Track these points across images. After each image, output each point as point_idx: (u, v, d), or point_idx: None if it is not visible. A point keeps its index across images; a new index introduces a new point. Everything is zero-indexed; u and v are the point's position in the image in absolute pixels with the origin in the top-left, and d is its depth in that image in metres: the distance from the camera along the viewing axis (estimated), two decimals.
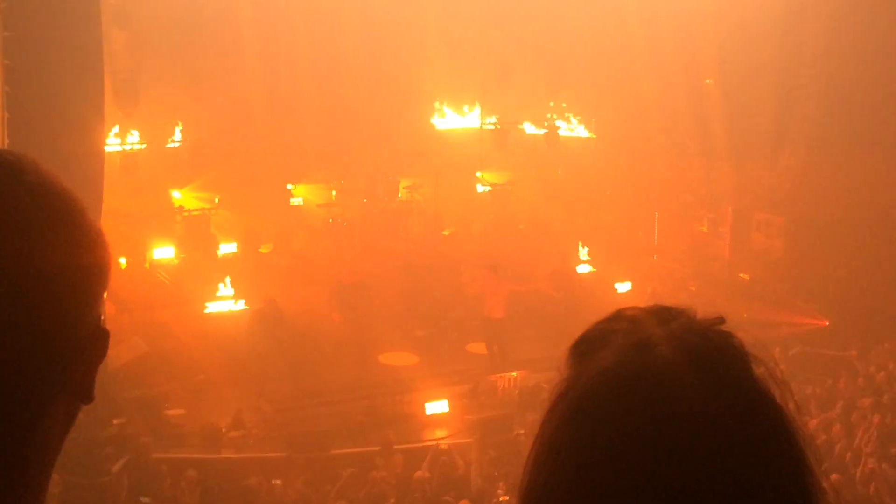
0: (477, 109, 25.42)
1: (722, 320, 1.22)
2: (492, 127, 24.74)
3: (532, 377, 17.38)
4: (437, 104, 25.51)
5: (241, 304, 18.58)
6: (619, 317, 1.24)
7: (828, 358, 17.61)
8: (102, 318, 1.22)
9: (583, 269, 22.11)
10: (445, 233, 23.03)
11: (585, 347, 1.22)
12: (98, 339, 1.21)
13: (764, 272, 21.33)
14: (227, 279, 19.04)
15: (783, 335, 18.29)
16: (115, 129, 20.58)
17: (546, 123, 25.20)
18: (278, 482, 13.48)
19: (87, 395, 1.21)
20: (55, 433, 1.19)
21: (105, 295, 1.21)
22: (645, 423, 1.11)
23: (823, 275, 20.19)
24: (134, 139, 21.18)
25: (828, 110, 20.92)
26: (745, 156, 22.99)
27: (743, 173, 22.99)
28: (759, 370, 1.18)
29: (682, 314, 1.22)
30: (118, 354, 15.52)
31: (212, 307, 18.73)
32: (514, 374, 17.27)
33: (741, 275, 21.74)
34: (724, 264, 22.69)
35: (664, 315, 1.22)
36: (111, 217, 19.04)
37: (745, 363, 1.18)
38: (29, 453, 1.15)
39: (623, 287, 20.89)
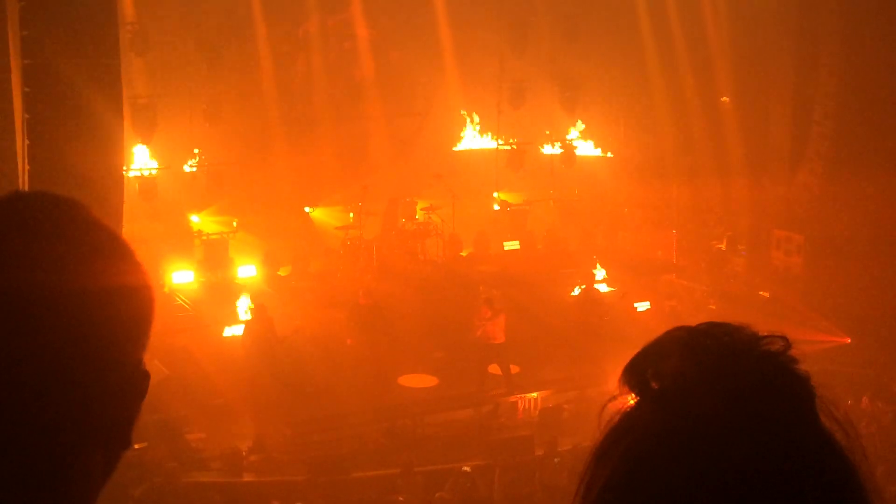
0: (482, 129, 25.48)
1: (788, 343, 1.16)
2: (507, 147, 24.76)
3: (552, 397, 17.34)
4: (464, 130, 25.57)
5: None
6: (670, 342, 1.18)
7: (849, 376, 17.48)
8: (144, 360, 1.19)
9: (600, 288, 22.05)
10: (463, 254, 23.02)
11: (643, 375, 1.16)
12: (138, 383, 1.17)
13: (783, 289, 21.23)
14: (248, 299, 19.09)
15: (804, 353, 18.14)
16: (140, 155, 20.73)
17: (562, 143, 25.20)
18: None
19: (125, 442, 1.17)
20: (92, 480, 1.14)
21: (148, 338, 1.18)
22: (707, 471, 1.07)
23: (844, 291, 20.07)
24: (152, 164, 21.29)
25: (845, 126, 20.85)
26: (762, 173, 22.93)
27: (761, 191, 22.92)
28: (823, 411, 1.12)
29: (741, 335, 1.16)
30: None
31: (230, 331, 18.76)
32: (535, 394, 17.23)
33: (760, 292, 21.63)
34: (742, 282, 22.60)
35: (720, 338, 1.15)
36: (130, 242, 19.12)
37: (809, 403, 1.12)
38: (62, 503, 1.10)
39: (642, 306, 20.83)
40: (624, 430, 1.16)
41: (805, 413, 1.11)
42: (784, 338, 1.16)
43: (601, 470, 1.15)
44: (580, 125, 25.53)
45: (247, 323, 17.85)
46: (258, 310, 17.57)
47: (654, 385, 1.14)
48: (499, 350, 17.39)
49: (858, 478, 1.10)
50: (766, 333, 1.17)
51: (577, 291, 21.20)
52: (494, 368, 17.55)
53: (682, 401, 1.11)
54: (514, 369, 17.52)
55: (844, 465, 1.10)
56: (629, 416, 1.17)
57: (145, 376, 1.17)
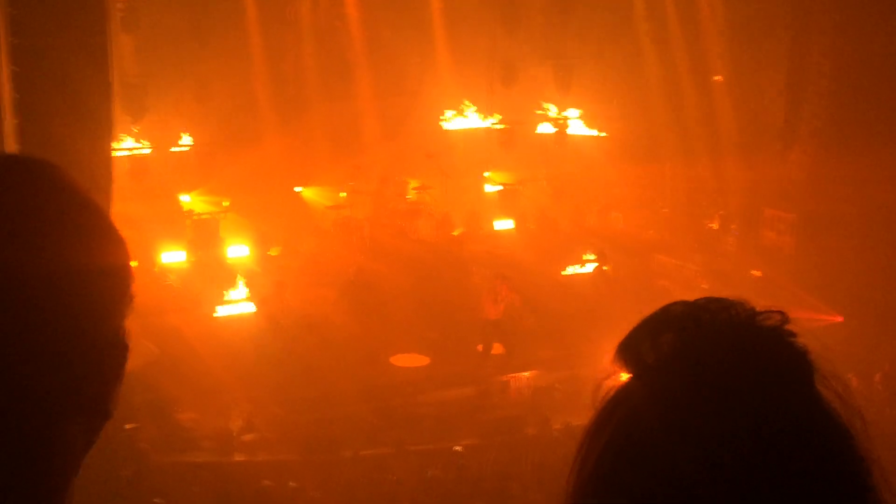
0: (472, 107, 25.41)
1: (786, 317, 1.16)
2: (499, 126, 24.71)
3: (544, 377, 17.38)
4: (456, 109, 25.50)
5: (250, 307, 18.61)
6: (667, 316, 1.18)
7: (841, 354, 17.53)
8: (123, 331, 1.17)
9: (591, 267, 22.09)
10: (455, 233, 23.02)
11: (638, 350, 1.16)
12: (117, 353, 1.16)
13: (775, 268, 21.26)
14: (241, 280, 19.08)
15: (797, 332, 18.20)
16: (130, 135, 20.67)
17: (555, 122, 25.16)
18: (293, 484, 13.49)
19: (104, 412, 1.16)
20: (72, 452, 1.12)
21: (127, 307, 1.16)
22: (703, 443, 1.06)
23: (836, 270, 20.10)
24: (142, 144, 21.22)
25: (838, 105, 20.83)
26: (755, 152, 22.92)
27: (752, 170, 22.91)
28: (822, 383, 1.12)
29: (739, 312, 1.16)
30: (130, 359, 15.51)
31: (222, 311, 18.75)
32: (527, 374, 17.27)
33: (752, 271, 21.67)
34: (734, 261, 22.62)
35: (717, 313, 1.15)
36: (120, 222, 19.05)
37: (808, 376, 1.12)
38: (42, 475, 1.08)
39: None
40: (618, 404, 1.16)
41: (804, 386, 1.11)
42: (781, 312, 1.16)
43: (595, 443, 1.15)
44: (574, 110, 25.49)
45: (262, 301, 17.82)
46: (277, 287, 17.59)
47: (650, 360, 1.14)
48: (505, 328, 17.47)
49: (858, 449, 1.10)
50: (763, 309, 1.16)
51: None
52: (496, 348, 17.60)
53: (678, 375, 1.11)
54: (499, 349, 17.59)
55: (844, 436, 1.09)
56: (624, 391, 1.16)
57: (124, 347, 1.16)
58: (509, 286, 17.66)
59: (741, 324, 1.14)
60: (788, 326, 1.16)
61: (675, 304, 1.19)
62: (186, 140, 22.15)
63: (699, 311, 1.16)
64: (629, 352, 1.17)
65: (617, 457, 1.12)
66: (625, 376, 1.18)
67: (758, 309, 1.17)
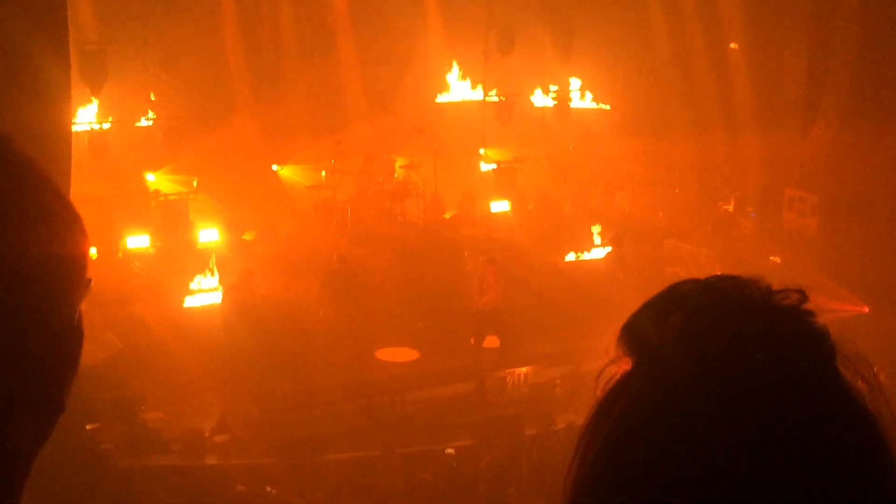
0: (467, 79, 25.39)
1: (804, 296, 1.15)
2: (496, 99, 24.69)
3: (543, 373, 17.42)
4: (448, 80, 25.48)
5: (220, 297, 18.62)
6: (675, 295, 1.17)
7: (867, 347, 17.58)
8: (78, 316, 1.17)
9: (595, 253, 22.11)
10: (446, 216, 23.01)
11: (642, 333, 1.16)
12: (69, 340, 1.15)
13: (796, 254, 21.31)
14: (213, 265, 19.07)
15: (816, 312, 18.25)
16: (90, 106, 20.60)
17: (555, 94, 25.16)
18: (271, 490, 13.52)
19: (57, 405, 1.15)
20: (21, 451, 1.12)
21: (83, 291, 1.15)
22: (715, 433, 1.06)
23: (862, 257, 20.14)
24: (103, 117, 21.15)
25: (865, 75, 20.84)
26: (774, 127, 22.93)
27: (772, 147, 22.93)
28: (845, 366, 1.12)
29: (752, 289, 1.15)
30: (90, 353, 15.50)
31: (191, 301, 18.74)
32: (525, 369, 17.31)
33: (771, 257, 21.71)
34: (752, 246, 22.67)
35: (730, 292, 1.15)
36: (80, 203, 18.94)
37: (830, 358, 1.12)
38: None
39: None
40: (620, 392, 1.16)
41: (825, 369, 1.11)
42: (800, 291, 1.16)
43: (595, 436, 1.15)
44: (577, 80, 25.49)
45: (227, 289, 17.84)
46: (245, 275, 17.58)
47: (656, 343, 1.14)
48: (498, 319, 17.49)
49: (885, 437, 1.09)
50: (779, 287, 1.16)
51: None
52: (487, 341, 17.61)
53: (686, 359, 1.10)
54: (495, 342, 17.62)
55: (870, 423, 1.09)
56: (627, 378, 1.16)
57: (79, 334, 1.15)
58: (496, 272, 17.65)
59: (756, 303, 1.14)
60: (808, 306, 1.15)
61: (684, 282, 1.19)
62: (151, 113, 22.06)
63: (710, 290, 1.16)
64: (633, 335, 1.17)
65: (618, 451, 1.12)
66: (628, 362, 1.18)
67: (774, 288, 1.16)
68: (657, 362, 1.13)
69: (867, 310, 19.37)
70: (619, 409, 1.14)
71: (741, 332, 1.10)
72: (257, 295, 17.66)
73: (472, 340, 17.66)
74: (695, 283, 1.18)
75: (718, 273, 1.22)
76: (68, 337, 1.13)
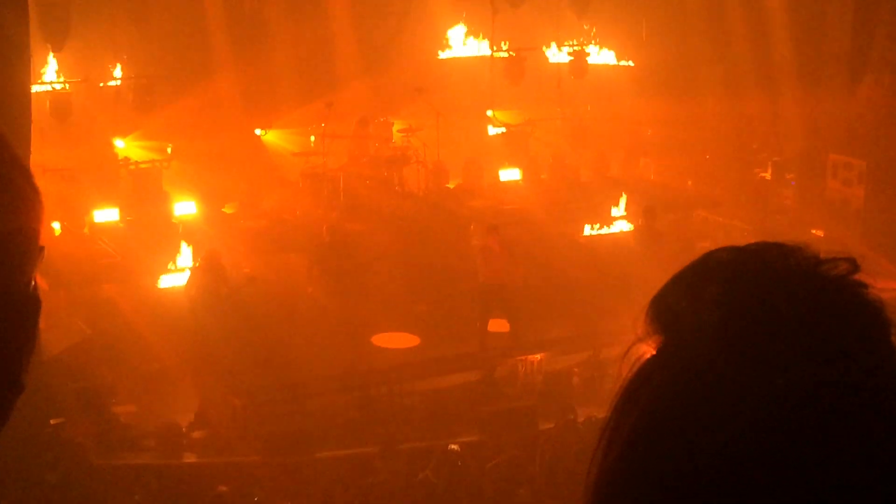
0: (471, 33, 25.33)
1: (856, 265, 1.14)
2: (505, 55, 24.62)
3: (559, 360, 17.45)
4: (453, 34, 25.41)
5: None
6: (711, 264, 1.16)
7: None
8: (34, 285, 1.18)
9: (617, 226, 22.09)
10: (450, 185, 23.00)
11: (674, 307, 1.15)
12: (24, 309, 1.15)
13: (841, 227, 21.30)
14: (184, 244, 19.08)
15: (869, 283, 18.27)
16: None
17: (571, 49, 25.08)
18: (256, 492, 13.57)
19: (14, 383, 1.15)
20: None
21: (38, 259, 1.16)
22: (757, 419, 1.05)
23: None
24: (66, 77, 21.12)
25: None
26: (816, 85, 22.89)
27: (815, 107, 22.89)
28: None
29: (798, 257, 1.14)
30: (54, 340, 15.57)
31: (167, 281, 18.76)
32: (538, 356, 17.34)
33: (813, 231, 21.71)
34: (792, 218, 22.66)
35: (773, 260, 1.14)
36: (41, 172, 19.04)
37: (885, 332, 1.11)
38: None
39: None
40: (651, 371, 1.15)
41: (880, 344, 1.10)
42: (851, 259, 1.15)
43: (624, 419, 1.15)
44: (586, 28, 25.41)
45: (193, 271, 17.86)
46: (209, 256, 17.56)
47: (689, 319, 1.13)
48: (506, 296, 17.47)
49: None
50: (828, 256, 1.16)
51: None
52: (495, 325, 17.63)
53: (724, 334, 1.10)
54: (504, 325, 17.64)
55: None
56: (658, 355, 1.16)
57: (35, 302, 1.15)
58: (500, 240, 17.60)
59: (802, 273, 1.13)
60: (860, 276, 1.14)
61: (720, 250, 1.18)
62: (120, 72, 22.02)
63: (750, 259, 1.15)
64: (662, 309, 1.17)
65: (647, 440, 1.12)
66: (657, 340, 1.17)
67: (822, 256, 1.16)
68: (690, 339, 1.13)
69: None
70: (647, 394, 1.14)
71: (786, 305, 1.10)
72: (225, 278, 17.56)
73: (477, 322, 17.67)
74: (732, 250, 1.17)
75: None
76: (24, 305, 1.14)
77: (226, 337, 16.64)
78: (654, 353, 1.16)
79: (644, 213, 19.74)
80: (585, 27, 25.52)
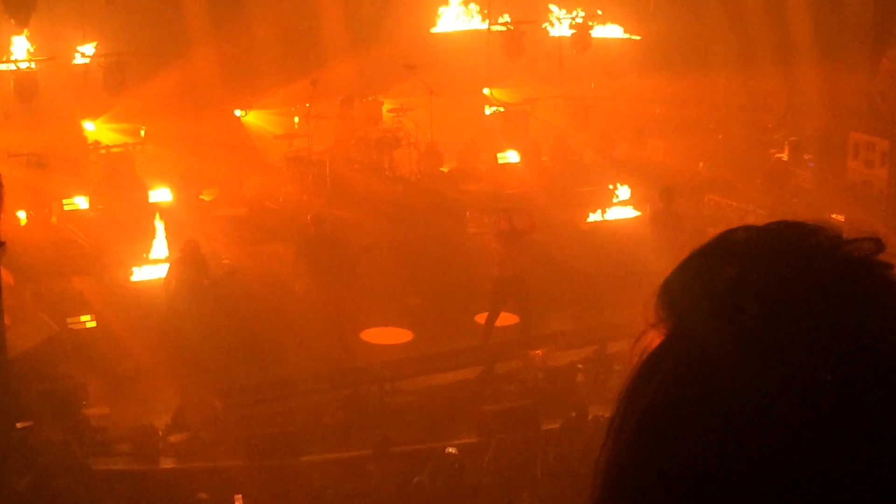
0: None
1: (880, 245, 1.15)
2: (503, 28, 24.60)
3: (563, 355, 17.45)
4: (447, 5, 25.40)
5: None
6: (727, 245, 1.17)
7: None
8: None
9: (622, 212, 22.10)
10: (444, 169, 22.99)
11: (687, 291, 1.16)
12: None
13: (863, 211, 21.31)
14: (160, 231, 19.05)
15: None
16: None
17: (574, 22, 25.06)
18: (239, 498, 13.58)
19: None
20: None
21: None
22: (779, 403, 1.05)
23: None
24: (32, 54, 21.08)
25: None
26: (836, 59, 22.88)
27: (834, 82, 22.89)
28: None
29: (820, 237, 1.15)
30: (20, 337, 15.56)
31: (141, 273, 18.74)
32: (540, 351, 17.34)
33: (833, 215, 21.72)
34: (810, 202, 22.67)
35: (794, 240, 1.15)
36: (5, 158, 19.03)
37: None
38: None
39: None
40: (662, 357, 1.16)
41: None
42: (875, 239, 1.15)
43: (632, 409, 1.16)
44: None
45: (172, 263, 17.83)
46: (187, 247, 17.53)
47: (705, 303, 1.13)
48: (523, 288, 17.47)
49: None
50: (851, 236, 1.16)
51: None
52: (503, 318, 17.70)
53: (741, 317, 1.10)
54: (504, 319, 17.65)
55: None
56: (670, 341, 1.16)
57: None
58: (515, 226, 17.57)
59: (824, 253, 1.13)
60: (884, 256, 1.14)
61: (738, 229, 1.19)
62: (90, 50, 21.98)
63: (769, 238, 1.16)
64: (674, 294, 1.17)
65: (656, 428, 1.13)
66: (669, 326, 1.17)
67: (844, 236, 1.16)
68: (702, 326, 1.12)
69: None
70: (656, 383, 1.14)
71: (808, 286, 1.10)
72: (205, 270, 17.55)
73: (484, 316, 17.66)
74: (750, 229, 1.18)
75: None
76: None
77: (205, 333, 16.64)
78: (663, 340, 1.16)
79: (662, 194, 19.66)
80: None
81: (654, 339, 1.18)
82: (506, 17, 24.71)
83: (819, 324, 1.08)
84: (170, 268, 17.77)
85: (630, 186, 22.38)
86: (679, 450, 1.10)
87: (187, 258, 17.42)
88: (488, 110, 25.01)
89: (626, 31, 26.07)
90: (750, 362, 1.08)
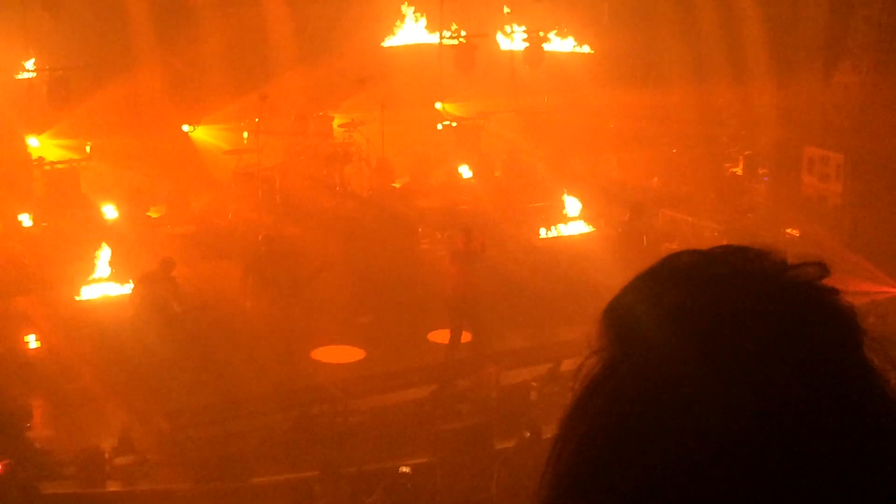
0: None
1: (824, 270, 1.15)
2: (455, 42, 24.65)
3: (516, 373, 17.46)
4: (398, 19, 25.43)
5: (127, 288, 18.50)
6: (671, 269, 1.17)
7: None
8: None
9: (575, 227, 22.17)
10: (396, 184, 23.00)
11: (631, 313, 1.15)
12: None
13: (818, 225, 21.46)
14: (103, 252, 18.95)
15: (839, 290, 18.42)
16: None
17: (526, 35, 25.15)
18: None
19: None
20: None
21: None
22: (719, 425, 1.05)
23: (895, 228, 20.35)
24: None
25: None
26: (790, 73, 23.07)
27: (788, 97, 23.07)
28: (874, 354, 1.11)
29: (765, 262, 1.15)
30: None
31: (87, 292, 18.62)
32: (493, 369, 17.34)
33: (788, 230, 21.88)
34: (764, 217, 22.82)
35: (738, 265, 1.15)
36: None
37: (855, 341, 1.12)
38: None
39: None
40: (603, 381, 1.15)
41: (850, 355, 1.11)
42: (820, 264, 1.15)
43: (572, 432, 1.16)
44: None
45: (141, 280, 17.63)
46: (163, 265, 17.35)
47: (646, 326, 1.13)
48: (472, 305, 17.46)
49: None
50: (796, 260, 1.16)
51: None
52: (438, 336, 17.64)
53: (683, 342, 1.10)
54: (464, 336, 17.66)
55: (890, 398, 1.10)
56: (612, 364, 1.15)
57: None
58: (473, 246, 17.55)
59: (769, 278, 1.13)
60: (829, 281, 1.14)
61: (682, 253, 1.19)
62: (33, 64, 21.88)
63: (714, 263, 1.15)
64: (618, 316, 1.17)
65: (596, 451, 1.12)
66: (613, 350, 1.17)
67: (790, 261, 1.16)
68: (647, 347, 1.12)
69: None
70: (597, 404, 1.14)
71: (751, 312, 1.09)
72: (176, 292, 17.44)
73: (438, 332, 17.63)
74: (695, 254, 1.18)
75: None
76: None
77: (152, 354, 16.52)
78: (607, 362, 1.16)
79: (632, 209, 19.77)
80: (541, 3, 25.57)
81: (597, 363, 1.17)
82: (456, 28, 24.76)
83: (761, 348, 1.07)
84: (136, 285, 17.65)
85: (581, 201, 22.45)
86: (621, 474, 1.09)
87: (159, 276, 17.31)
88: (440, 125, 25.04)
89: (579, 45, 26.17)
90: (693, 386, 1.07)
